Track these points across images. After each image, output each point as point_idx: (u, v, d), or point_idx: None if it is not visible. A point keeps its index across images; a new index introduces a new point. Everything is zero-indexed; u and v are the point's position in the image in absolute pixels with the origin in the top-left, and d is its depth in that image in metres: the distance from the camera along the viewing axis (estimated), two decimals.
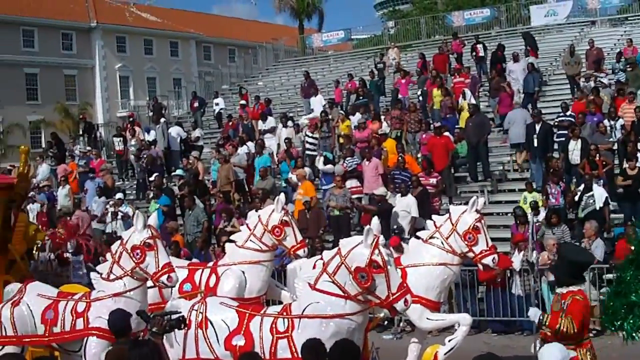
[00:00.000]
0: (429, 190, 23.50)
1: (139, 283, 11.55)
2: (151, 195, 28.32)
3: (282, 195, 14.82)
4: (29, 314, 12.23)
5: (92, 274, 12.41)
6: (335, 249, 10.66)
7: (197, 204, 25.22)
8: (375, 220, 10.68)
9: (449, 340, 12.74)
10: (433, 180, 24.07)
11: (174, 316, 10.05)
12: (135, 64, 78.19)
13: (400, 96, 34.06)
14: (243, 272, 14.05)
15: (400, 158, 24.94)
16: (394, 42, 49.47)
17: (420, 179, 23.65)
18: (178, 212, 27.20)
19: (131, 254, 11.36)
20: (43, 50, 71.10)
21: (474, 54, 37.54)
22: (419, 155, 27.17)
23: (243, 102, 38.39)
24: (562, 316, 10.40)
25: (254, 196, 26.06)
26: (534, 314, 11.00)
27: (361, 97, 34.23)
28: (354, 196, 24.71)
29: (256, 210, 19.86)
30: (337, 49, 62.35)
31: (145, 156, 31.93)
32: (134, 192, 33.07)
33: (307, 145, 29.63)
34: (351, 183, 25.06)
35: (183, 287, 13.97)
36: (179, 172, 29.42)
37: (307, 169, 26.62)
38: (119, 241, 11.88)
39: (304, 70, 44.19)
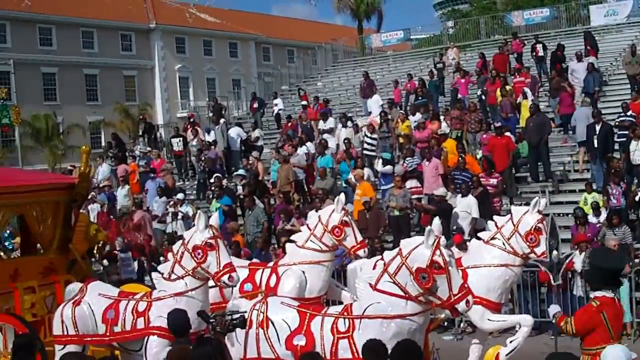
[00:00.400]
0: (490, 191, 23.37)
1: (200, 283, 11.59)
2: (211, 195, 28.47)
3: (342, 196, 14.79)
4: (90, 313, 12.35)
5: (154, 274, 12.49)
6: (396, 250, 10.61)
7: (257, 204, 25.33)
8: (436, 221, 10.63)
9: (511, 342, 12.64)
10: (493, 181, 23.90)
11: (235, 316, 10.10)
12: (195, 64, 78.77)
13: (459, 96, 33.96)
14: (303, 272, 14.09)
15: (460, 158, 24.82)
16: (453, 41, 49.30)
17: (481, 179, 23.53)
18: (239, 212, 27.29)
19: (193, 254, 11.38)
20: (102, 51, 71.95)
21: (533, 53, 37.33)
22: (479, 155, 26.96)
23: (304, 102, 38.53)
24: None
25: (313, 196, 26.09)
26: (552, 310, 11.01)
27: (420, 97, 34.12)
28: (414, 196, 24.66)
29: (316, 211, 19.94)
30: (397, 49, 62.17)
31: (204, 158, 32.16)
32: (195, 192, 33.27)
33: (366, 146, 29.63)
34: (411, 183, 25.02)
35: (244, 287, 14.01)
36: (241, 172, 29.53)
37: (366, 170, 26.60)
38: (180, 241, 11.94)
39: (363, 71, 44.23)
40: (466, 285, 10.42)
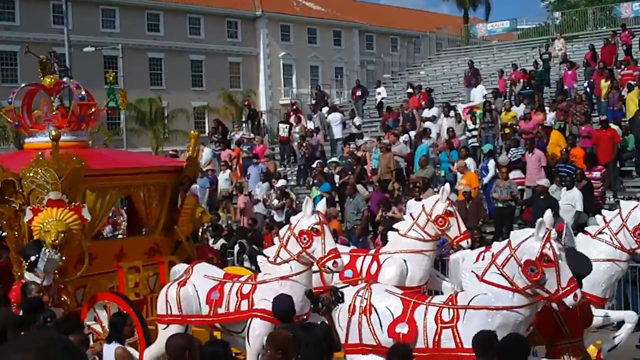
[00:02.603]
0: (594, 185, 22.95)
1: (304, 267, 11.73)
2: (312, 181, 28.56)
3: (447, 185, 14.75)
4: (194, 294, 12.53)
5: (259, 257, 12.76)
6: (505, 241, 10.52)
7: (359, 192, 25.29)
8: (548, 213, 10.48)
9: (613, 337, 12.45)
10: (596, 174, 23.47)
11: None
12: (299, 52, 79.10)
13: (565, 87, 33.47)
14: (405, 261, 14.07)
15: (564, 150, 24.44)
16: (559, 32, 48.63)
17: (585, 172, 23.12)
18: (336, 199, 27.29)
19: (299, 239, 11.52)
20: (209, 37, 72.76)
21: None
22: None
23: (410, 90, 38.50)
24: None
25: (412, 185, 25.94)
26: None
27: (527, 88, 33.70)
28: (517, 187, 24.33)
29: (416, 200, 19.84)
30: (502, 38, 61.62)
31: (305, 145, 32.31)
32: (295, 178, 33.45)
33: (470, 137, 29.51)
34: (514, 174, 24.69)
35: (344, 273, 14.08)
36: (334, 159, 29.66)
37: (468, 160, 26.35)
38: (287, 225, 12.11)
39: (467, 60, 43.88)
40: (575, 279, 10.27)
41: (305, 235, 11.45)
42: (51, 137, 13.07)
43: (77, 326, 10.49)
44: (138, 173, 15.17)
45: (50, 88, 14.77)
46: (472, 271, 10.69)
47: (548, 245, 9.85)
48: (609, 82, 30.12)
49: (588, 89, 32.03)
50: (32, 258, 12.49)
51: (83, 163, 13.21)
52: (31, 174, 13.04)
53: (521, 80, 34.94)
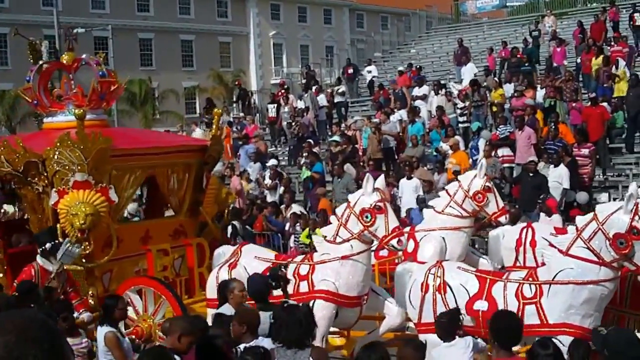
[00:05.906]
0: (581, 161, 22.94)
1: (365, 246, 11.66)
2: (302, 161, 28.56)
3: (484, 161, 14.69)
4: (246, 276, 12.17)
5: (314, 237, 12.72)
6: (590, 215, 10.53)
7: (347, 172, 25.30)
8: (633, 185, 10.48)
9: None
10: (585, 151, 23.48)
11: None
12: (289, 31, 78.96)
13: (555, 64, 33.45)
14: (443, 238, 14.06)
15: (552, 128, 24.43)
16: (549, 9, 48.56)
17: (573, 149, 23.12)
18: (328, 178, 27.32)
19: (360, 217, 11.41)
20: (199, 17, 72.47)
21: (630, 22, 36.56)
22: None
23: (401, 68, 38.51)
24: None
25: (402, 164, 25.96)
26: None
27: (526, 65, 33.63)
28: (505, 165, 24.37)
29: (408, 179, 19.83)
30: (492, 16, 61.51)
31: (297, 124, 32.31)
32: (286, 158, 33.46)
33: (459, 115, 29.55)
34: (503, 151, 24.72)
35: (379, 252, 14.02)
36: (335, 137, 29.54)
37: (458, 138, 26.39)
38: (344, 204, 12.02)
39: (457, 38, 43.74)
40: None
41: (367, 214, 11.33)
42: (76, 116, 12.73)
43: (66, 310, 10.47)
44: (163, 152, 14.92)
45: (69, 66, 14.40)
46: (554, 246, 10.72)
47: (637, 218, 9.90)
48: (598, 59, 30.09)
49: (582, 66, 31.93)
50: (48, 245, 12.16)
51: (110, 143, 12.92)
52: (56, 155, 12.69)
53: (518, 57, 34.77)
